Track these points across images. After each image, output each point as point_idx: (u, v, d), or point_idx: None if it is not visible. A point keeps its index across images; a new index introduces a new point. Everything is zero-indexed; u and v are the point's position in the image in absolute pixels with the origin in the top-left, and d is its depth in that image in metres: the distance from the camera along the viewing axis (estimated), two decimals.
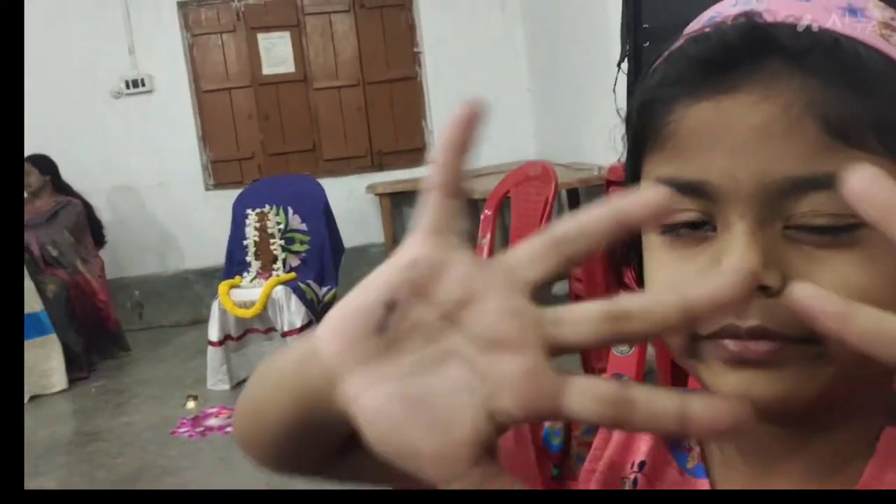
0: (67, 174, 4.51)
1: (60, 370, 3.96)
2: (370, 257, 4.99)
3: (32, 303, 3.93)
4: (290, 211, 3.88)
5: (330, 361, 0.31)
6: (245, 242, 3.85)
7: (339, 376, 0.31)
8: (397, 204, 4.86)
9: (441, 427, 0.29)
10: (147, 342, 4.68)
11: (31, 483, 2.93)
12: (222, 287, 3.68)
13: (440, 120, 5.28)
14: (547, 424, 0.51)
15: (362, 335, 0.30)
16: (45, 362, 3.92)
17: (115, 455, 3.15)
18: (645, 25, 2.31)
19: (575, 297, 2.47)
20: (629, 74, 2.31)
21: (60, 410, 3.73)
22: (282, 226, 3.84)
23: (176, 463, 2.99)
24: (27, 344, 3.83)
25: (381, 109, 5.28)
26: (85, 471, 3.07)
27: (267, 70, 5.19)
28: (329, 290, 3.78)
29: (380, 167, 5.26)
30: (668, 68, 0.40)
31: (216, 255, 4.28)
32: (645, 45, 2.28)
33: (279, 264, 3.79)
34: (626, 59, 2.37)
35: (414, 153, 5.31)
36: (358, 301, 0.31)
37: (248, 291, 3.67)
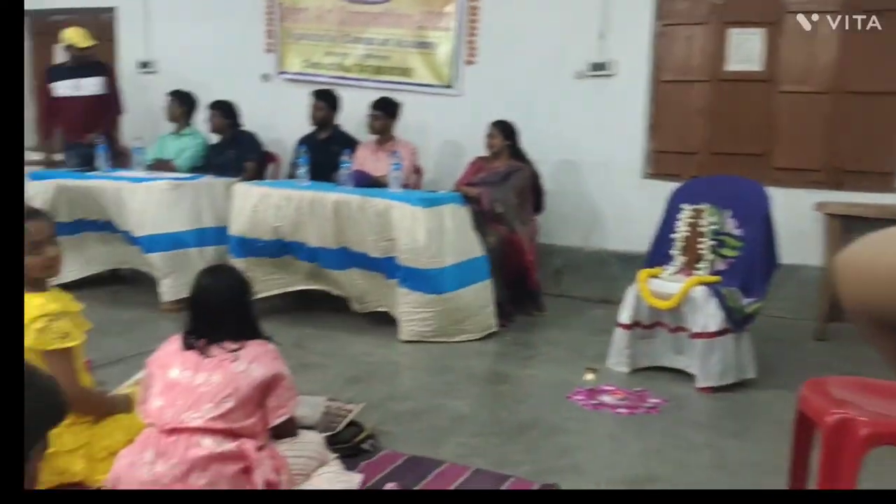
0: (525, 142, 4.95)
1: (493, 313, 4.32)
2: (801, 278, 4.60)
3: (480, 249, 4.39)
4: (729, 213, 3.75)
5: None
6: (673, 236, 3.82)
7: None
8: (848, 228, 4.23)
9: None
10: (560, 308, 4.96)
11: (449, 404, 3.30)
12: (642, 274, 3.72)
13: None
14: None
15: None
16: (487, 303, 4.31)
17: (516, 400, 3.42)
18: None
19: None
20: None
21: (481, 349, 4.14)
22: (716, 227, 3.72)
23: (567, 424, 3.10)
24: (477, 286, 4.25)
25: (852, 123, 4.76)
26: (491, 406, 3.39)
27: (731, 66, 5.04)
28: (753, 303, 3.55)
29: (836, 185, 4.76)
30: None
31: (639, 242, 4.32)
32: None
33: (703, 264, 3.69)
34: None
35: (880, 176, 4.71)
36: None
37: (666, 284, 3.64)
